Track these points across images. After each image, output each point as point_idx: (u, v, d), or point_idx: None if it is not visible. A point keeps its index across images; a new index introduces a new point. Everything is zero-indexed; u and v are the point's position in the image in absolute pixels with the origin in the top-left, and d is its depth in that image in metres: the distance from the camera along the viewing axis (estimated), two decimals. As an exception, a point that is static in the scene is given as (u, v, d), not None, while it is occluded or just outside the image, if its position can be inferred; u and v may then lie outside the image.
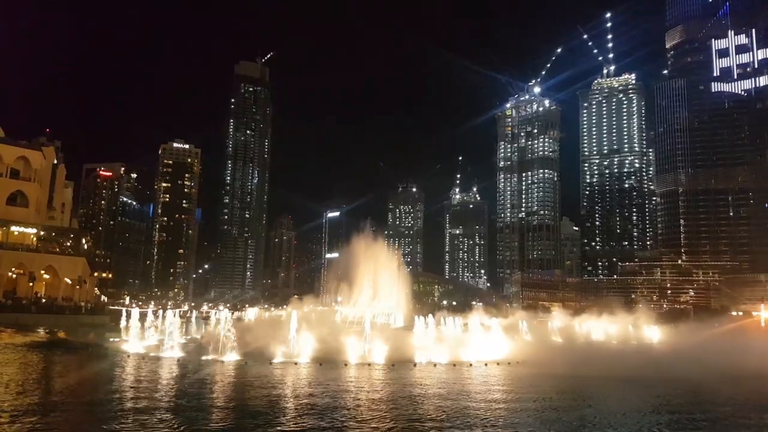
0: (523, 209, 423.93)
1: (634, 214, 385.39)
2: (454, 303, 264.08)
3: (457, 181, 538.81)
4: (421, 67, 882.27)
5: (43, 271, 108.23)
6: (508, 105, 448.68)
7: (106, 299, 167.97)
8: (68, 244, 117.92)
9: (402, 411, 26.80)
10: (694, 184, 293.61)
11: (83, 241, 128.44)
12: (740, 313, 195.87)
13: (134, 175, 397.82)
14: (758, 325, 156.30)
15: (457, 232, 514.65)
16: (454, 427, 23.81)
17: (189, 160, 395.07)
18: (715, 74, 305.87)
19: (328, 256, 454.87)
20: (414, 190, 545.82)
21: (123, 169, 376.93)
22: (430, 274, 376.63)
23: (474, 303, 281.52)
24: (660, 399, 33.41)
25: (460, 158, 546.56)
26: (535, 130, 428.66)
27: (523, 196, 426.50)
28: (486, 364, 49.15)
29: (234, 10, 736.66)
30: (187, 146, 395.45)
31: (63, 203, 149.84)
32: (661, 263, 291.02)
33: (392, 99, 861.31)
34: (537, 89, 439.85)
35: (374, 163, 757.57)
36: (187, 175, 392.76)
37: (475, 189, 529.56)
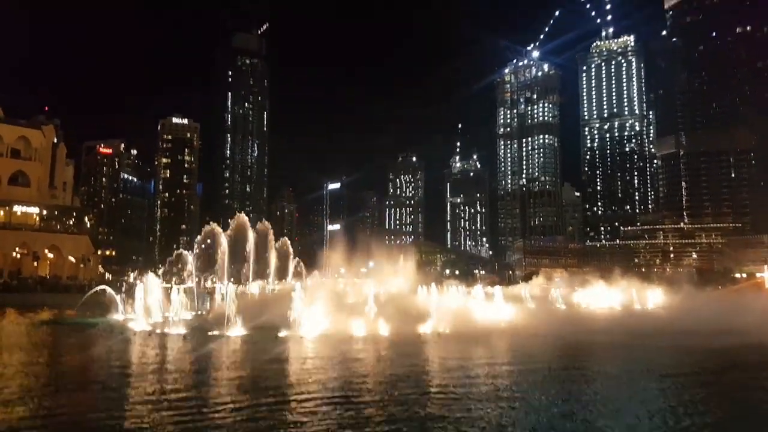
0: (523, 176, 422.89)
1: (636, 177, 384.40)
2: (457, 272, 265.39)
3: (458, 149, 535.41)
4: (419, 33, 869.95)
5: (47, 251, 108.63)
6: (506, 70, 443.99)
7: (110, 277, 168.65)
8: (71, 222, 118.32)
9: (403, 381, 27.00)
10: (695, 146, 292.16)
11: (86, 219, 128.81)
12: (744, 275, 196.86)
13: (134, 152, 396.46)
14: (762, 286, 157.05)
15: (458, 200, 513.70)
16: (458, 395, 23.96)
17: (188, 135, 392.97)
18: (714, 34, 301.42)
19: (330, 228, 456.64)
20: (414, 159, 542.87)
21: (123, 145, 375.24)
22: (431, 244, 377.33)
23: (476, 271, 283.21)
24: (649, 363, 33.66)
25: (460, 126, 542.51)
26: (535, 96, 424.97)
27: (524, 162, 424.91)
28: (489, 332, 49.54)
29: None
30: (186, 121, 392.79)
31: (64, 182, 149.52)
32: (664, 227, 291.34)
33: (391, 68, 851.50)
34: (535, 54, 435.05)
35: (374, 133, 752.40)
36: (186, 150, 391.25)
37: (475, 157, 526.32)
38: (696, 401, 23.89)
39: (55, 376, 28.18)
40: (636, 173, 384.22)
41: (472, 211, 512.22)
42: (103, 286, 67.46)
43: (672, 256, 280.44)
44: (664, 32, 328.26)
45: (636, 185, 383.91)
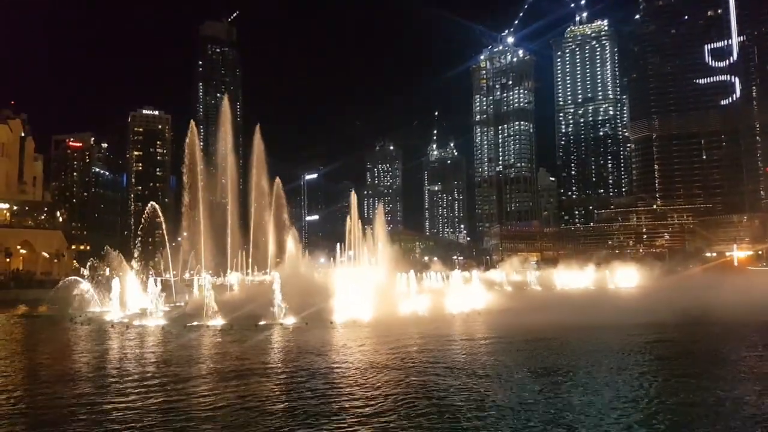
0: (500, 162, 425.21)
1: (610, 161, 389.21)
2: (435, 258, 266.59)
3: (435, 137, 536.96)
4: (393, 21, 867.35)
5: (19, 247, 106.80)
6: (482, 57, 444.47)
7: (85, 271, 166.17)
8: (43, 218, 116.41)
9: (385, 362, 27.33)
10: (667, 130, 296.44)
11: (58, 214, 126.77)
12: (714, 254, 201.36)
13: (105, 145, 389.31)
14: (731, 264, 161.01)
15: (436, 188, 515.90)
16: (436, 372, 24.36)
17: (160, 126, 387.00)
18: (686, 17, 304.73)
19: (308, 218, 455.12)
20: (391, 148, 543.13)
21: (93, 139, 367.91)
22: (410, 232, 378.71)
23: (455, 257, 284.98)
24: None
25: (436, 114, 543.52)
26: (510, 82, 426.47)
27: (500, 149, 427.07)
28: (467, 314, 50.20)
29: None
30: (157, 113, 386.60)
31: (34, 177, 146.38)
32: (637, 209, 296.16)
33: (366, 56, 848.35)
34: (510, 39, 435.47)
35: (351, 122, 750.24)
36: (158, 142, 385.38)
37: (452, 144, 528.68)
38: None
39: (32, 370, 27.91)
40: (610, 157, 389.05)
41: (450, 198, 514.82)
42: (75, 278, 66.66)
43: (645, 237, 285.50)
44: (637, 16, 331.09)
45: (610, 169, 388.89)
